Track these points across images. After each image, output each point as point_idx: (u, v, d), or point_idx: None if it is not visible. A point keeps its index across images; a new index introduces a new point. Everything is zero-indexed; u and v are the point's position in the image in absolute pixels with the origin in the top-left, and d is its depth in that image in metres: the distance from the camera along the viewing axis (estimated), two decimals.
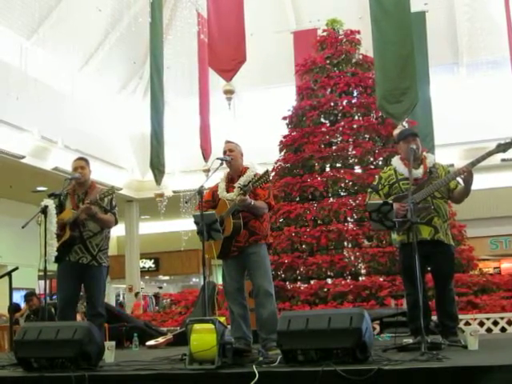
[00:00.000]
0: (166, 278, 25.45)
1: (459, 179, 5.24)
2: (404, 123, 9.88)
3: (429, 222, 5.25)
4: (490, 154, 5.05)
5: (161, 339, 8.43)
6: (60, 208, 6.00)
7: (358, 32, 12.38)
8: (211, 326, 4.11)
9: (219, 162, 5.59)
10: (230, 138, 5.95)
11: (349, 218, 10.44)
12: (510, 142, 4.98)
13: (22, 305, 11.47)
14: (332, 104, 11.56)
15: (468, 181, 5.15)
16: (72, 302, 6.09)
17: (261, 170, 5.55)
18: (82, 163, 6.15)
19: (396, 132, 9.18)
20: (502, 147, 5.03)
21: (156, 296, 20.99)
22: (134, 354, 7.01)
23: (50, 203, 5.79)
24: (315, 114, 11.49)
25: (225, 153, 5.68)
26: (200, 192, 5.19)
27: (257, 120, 18.27)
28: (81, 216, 5.86)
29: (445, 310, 5.36)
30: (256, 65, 15.41)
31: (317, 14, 15.34)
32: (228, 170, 5.79)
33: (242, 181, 5.53)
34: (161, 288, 24.17)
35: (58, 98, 16.13)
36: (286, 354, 4.07)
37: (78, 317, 7.94)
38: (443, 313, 5.37)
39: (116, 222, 6.13)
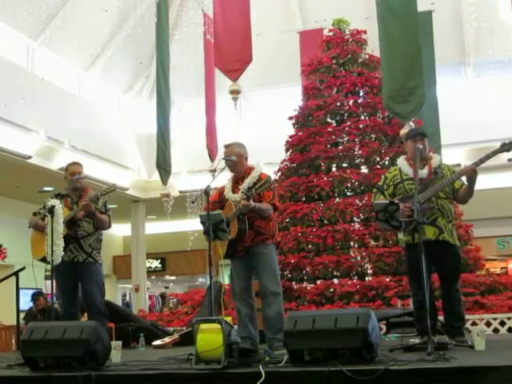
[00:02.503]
0: (173, 278, 25.47)
1: (463, 179, 5.23)
2: (410, 123, 9.86)
3: (433, 222, 5.24)
4: (494, 153, 5.04)
5: (167, 339, 8.43)
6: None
7: (365, 32, 12.35)
8: (217, 325, 4.12)
9: (224, 161, 5.61)
10: (240, 138, 5.95)
11: (355, 218, 10.42)
12: None
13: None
14: (338, 104, 11.54)
15: (471, 180, 5.14)
16: (75, 302, 6.15)
17: (267, 170, 5.55)
18: (80, 169, 6.29)
19: (403, 132, 9.17)
20: (507, 146, 5.03)
21: (162, 296, 21.02)
22: (140, 353, 7.02)
23: (57, 203, 5.83)
24: (321, 113, 11.47)
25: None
26: (206, 192, 5.20)
27: (263, 120, 18.26)
28: (78, 214, 5.94)
29: (451, 311, 5.35)
30: (262, 65, 15.40)
31: (323, 14, 15.32)
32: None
33: (247, 183, 5.55)
34: (167, 288, 24.19)
35: (65, 98, 16.16)
36: (293, 354, 4.07)
37: (83, 317, 7.95)
38: (450, 313, 5.36)
39: (109, 225, 6.23)
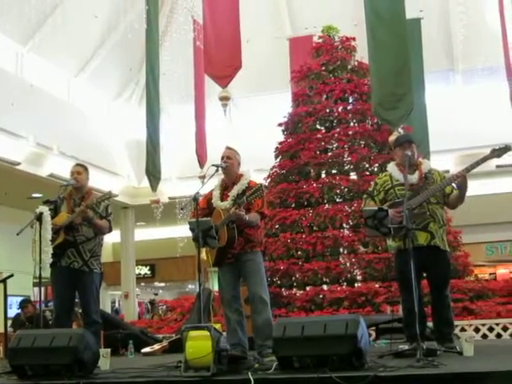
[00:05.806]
0: (162, 284, 25.40)
1: (454, 185, 5.26)
2: (399, 129, 9.90)
3: (425, 227, 5.25)
4: (484, 159, 5.07)
5: (156, 346, 8.42)
6: (54, 212, 6.01)
7: (354, 39, 12.41)
8: (207, 332, 4.11)
9: (214, 168, 5.60)
10: (230, 144, 5.95)
11: (344, 225, 10.45)
12: (504, 147, 5.03)
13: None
14: (328, 110, 11.58)
15: (462, 186, 5.17)
16: (67, 308, 6.07)
17: (256, 177, 5.56)
18: (78, 169, 6.21)
19: (392, 138, 9.20)
20: (497, 152, 5.06)
21: (152, 303, 20.93)
22: (129, 361, 6.99)
23: (45, 210, 5.77)
24: (311, 120, 11.50)
25: (222, 158, 5.70)
26: (195, 199, 5.19)
27: (252, 126, 18.24)
28: (76, 220, 5.86)
29: (440, 316, 5.36)
30: (252, 71, 15.40)
31: (313, 21, 15.34)
32: (223, 177, 5.80)
33: (236, 189, 5.56)
34: (156, 295, 24.11)
35: (54, 104, 16.09)
36: (282, 361, 4.07)
37: (74, 325, 7.90)
38: (439, 319, 5.37)
39: (110, 229, 6.13)
